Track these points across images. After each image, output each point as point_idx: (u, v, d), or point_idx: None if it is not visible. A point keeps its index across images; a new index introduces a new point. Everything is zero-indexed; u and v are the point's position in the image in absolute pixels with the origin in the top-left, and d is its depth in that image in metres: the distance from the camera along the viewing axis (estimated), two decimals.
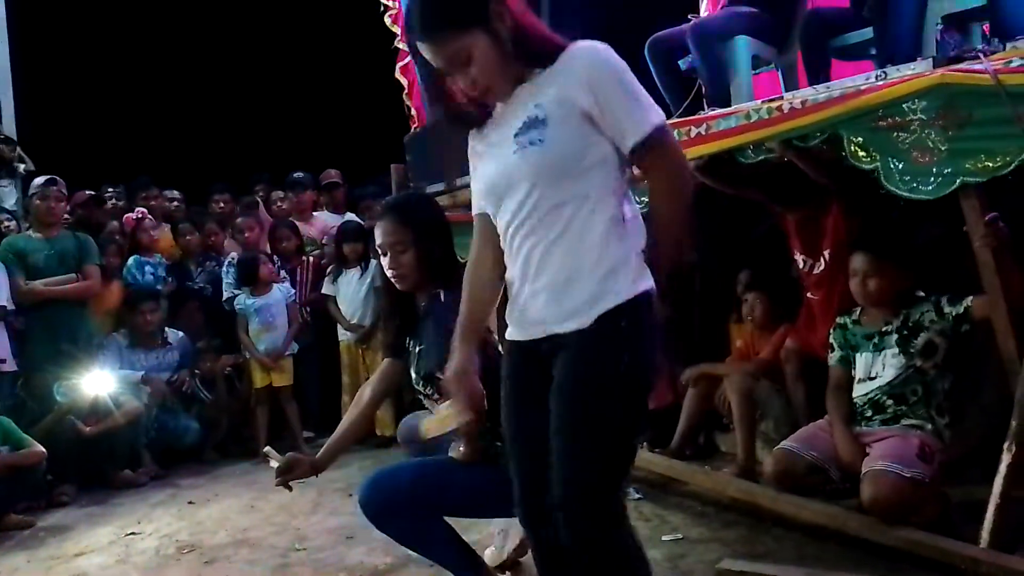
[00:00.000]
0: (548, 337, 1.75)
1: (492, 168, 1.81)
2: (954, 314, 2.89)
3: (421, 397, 2.64)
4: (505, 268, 1.85)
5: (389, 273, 2.50)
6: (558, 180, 1.69)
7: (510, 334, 1.86)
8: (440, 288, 2.46)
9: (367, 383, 2.76)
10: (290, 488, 2.52)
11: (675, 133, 3.15)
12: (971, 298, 2.84)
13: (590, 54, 1.70)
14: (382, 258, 2.51)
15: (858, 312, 3.15)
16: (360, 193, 6.16)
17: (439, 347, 2.23)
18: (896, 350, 2.97)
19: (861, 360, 3.08)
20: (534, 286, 1.76)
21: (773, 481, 3.08)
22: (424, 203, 2.71)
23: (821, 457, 2.99)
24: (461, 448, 2.44)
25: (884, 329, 3.02)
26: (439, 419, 2.24)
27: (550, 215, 1.71)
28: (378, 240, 2.51)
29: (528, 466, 1.82)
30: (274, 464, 2.51)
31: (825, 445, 3.01)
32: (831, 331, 3.20)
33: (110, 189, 6.16)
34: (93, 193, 5.73)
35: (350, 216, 6.01)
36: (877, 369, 3.03)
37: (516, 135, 1.71)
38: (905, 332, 2.97)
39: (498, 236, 1.84)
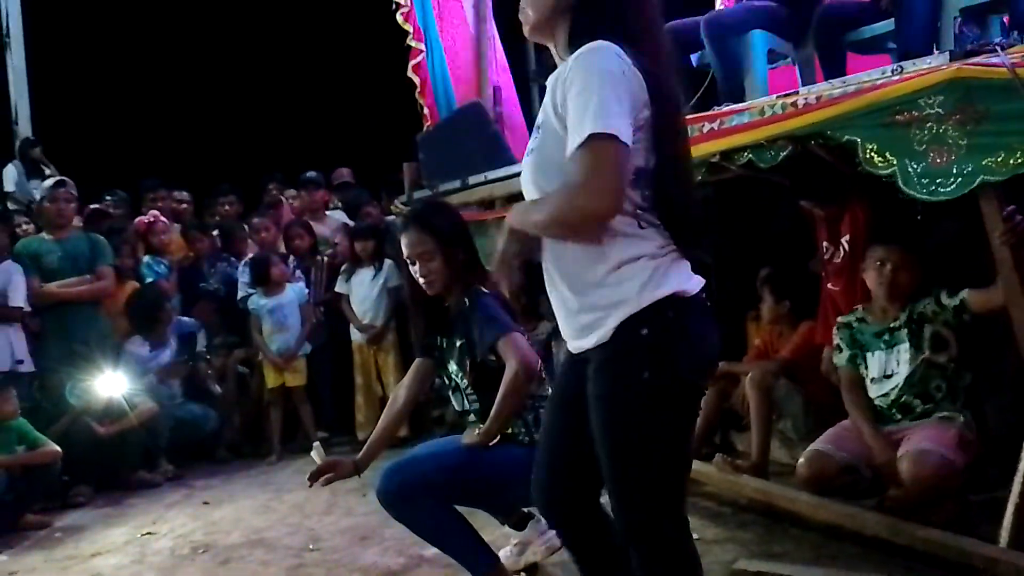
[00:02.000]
0: (580, 352, 1.71)
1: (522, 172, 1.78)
2: (952, 305, 2.89)
3: (449, 393, 2.79)
4: None
5: (420, 280, 2.61)
6: (544, 191, 1.65)
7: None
8: (469, 285, 2.60)
9: (401, 384, 2.88)
10: (315, 484, 2.65)
11: (687, 129, 3.13)
12: (967, 291, 2.84)
13: (574, 58, 1.58)
14: (411, 267, 2.63)
15: (861, 310, 3.12)
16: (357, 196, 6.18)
17: (490, 324, 2.47)
18: (907, 344, 2.95)
19: (874, 359, 3.05)
20: (554, 301, 1.75)
21: (807, 484, 3.03)
22: (441, 209, 2.85)
23: (852, 457, 2.97)
24: (475, 432, 2.54)
25: (893, 325, 3.00)
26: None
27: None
28: (405, 252, 2.63)
29: (548, 458, 1.85)
30: (317, 460, 2.65)
31: (855, 444, 2.98)
32: (835, 331, 3.16)
33: (108, 197, 6.17)
34: (96, 207, 5.73)
35: (336, 215, 6.08)
36: (892, 367, 3.01)
37: (532, 138, 1.71)
38: (913, 326, 2.95)
39: None
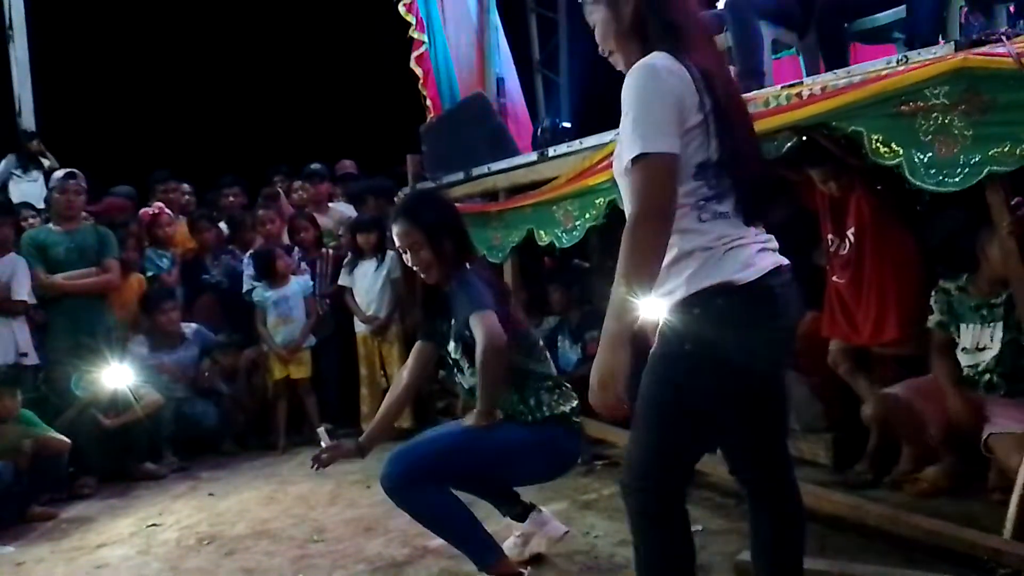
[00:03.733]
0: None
1: None
2: None
3: (456, 378, 2.84)
4: None
5: (415, 269, 2.69)
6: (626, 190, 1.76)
7: None
8: (459, 269, 2.65)
9: (404, 366, 2.94)
10: (318, 467, 2.75)
11: None
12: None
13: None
14: (404, 256, 2.70)
15: (964, 279, 3.12)
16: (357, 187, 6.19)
17: (464, 301, 2.53)
18: (1003, 323, 2.97)
19: (968, 331, 3.07)
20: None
21: (870, 421, 3.17)
22: (429, 200, 2.93)
23: (931, 413, 3.00)
24: (475, 412, 2.58)
25: (994, 301, 3.01)
26: None
27: None
28: (396, 242, 2.72)
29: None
30: (323, 443, 2.72)
31: (934, 401, 3.01)
32: (933, 293, 3.17)
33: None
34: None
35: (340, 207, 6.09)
36: (985, 341, 3.03)
37: None
38: (1008, 307, 2.96)
39: None
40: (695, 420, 1.77)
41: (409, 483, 2.54)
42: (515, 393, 2.62)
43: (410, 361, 2.89)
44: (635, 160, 1.66)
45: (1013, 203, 2.50)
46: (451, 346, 2.74)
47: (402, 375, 2.90)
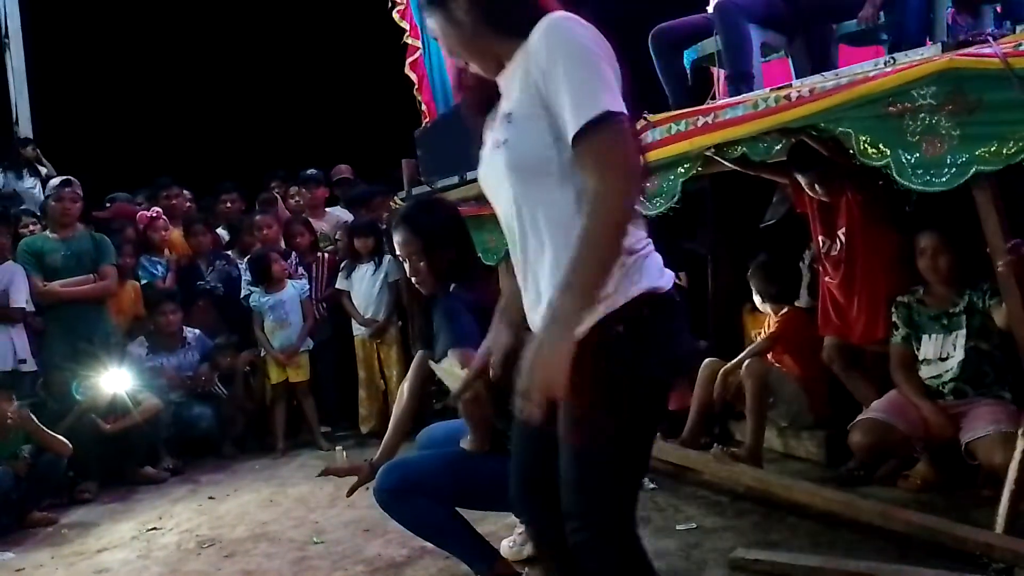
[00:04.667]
0: None
1: (482, 164, 1.68)
2: (987, 308, 2.96)
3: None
4: None
5: (412, 279, 2.62)
6: (529, 183, 1.53)
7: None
8: (451, 284, 2.57)
9: (405, 379, 2.90)
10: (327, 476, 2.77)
11: (683, 123, 3.16)
12: (994, 302, 2.90)
13: (544, 31, 1.48)
14: (404, 265, 2.64)
15: (920, 292, 3.17)
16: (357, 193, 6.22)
17: (445, 333, 2.40)
18: (964, 330, 3.02)
19: (930, 342, 3.12)
20: (534, 297, 1.63)
21: (864, 451, 3.14)
22: (432, 208, 2.76)
23: (909, 430, 3.05)
24: (470, 437, 2.51)
25: (952, 310, 3.06)
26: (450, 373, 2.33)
27: (532, 221, 1.55)
28: (396, 250, 2.64)
29: (523, 456, 1.78)
30: (339, 462, 2.78)
31: (910, 417, 3.05)
32: (892, 309, 3.22)
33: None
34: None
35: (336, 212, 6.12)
36: (948, 350, 3.08)
37: (495, 130, 1.60)
38: (968, 313, 3.02)
39: None
40: (648, 442, 1.62)
41: (401, 498, 2.53)
42: (503, 420, 2.48)
43: (411, 374, 2.86)
44: (604, 119, 1.41)
45: (1010, 245, 2.52)
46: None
47: (403, 388, 2.86)
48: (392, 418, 2.87)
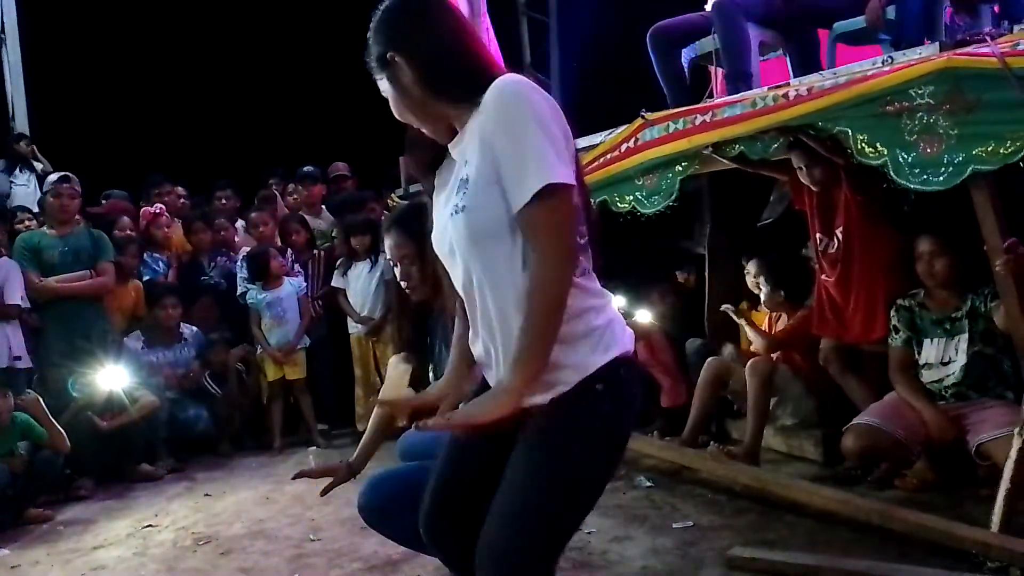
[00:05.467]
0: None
1: (436, 228, 1.64)
2: (988, 311, 2.95)
3: None
4: None
5: (402, 284, 2.57)
6: (486, 248, 1.51)
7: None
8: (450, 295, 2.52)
9: (384, 383, 2.83)
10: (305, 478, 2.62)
11: (680, 122, 3.16)
12: (994, 305, 2.89)
13: (495, 95, 1.47)
14: (395, 268, 2.59)
15: (922, 295, 3.15)
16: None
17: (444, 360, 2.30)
18: (967, 335, 3.01)
19: (932, 346, 3.10)
20: (486, 354, 1.63)
21: (855, 456, 3.12)
22: (427, 213, 2.72)
23: (906, 433, 3.02)
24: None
25: (955, 315, 3.05)
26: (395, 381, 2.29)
27: (494, 287, 1.53)
28: (388, 254, 2.59)
29: (447, 476, 1.75)
30: (311, 464, 2.61)
31: (909, 421, 3.03)
32: (893, 312, 3.20)
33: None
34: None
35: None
36: (951, 354, 3.07)
37: (451, 195, 1.56)
38: (970, 318, 3.01)
39: None
40: (594, 498, 1.61)
41: (386, 513, 2.49)
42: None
43: (387, 379, 2.80)
44: (548, 190, 1.41)
45: (1007, 244, 2.53)
46: (432, 375, 2.66)
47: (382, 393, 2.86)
48: (371, 421, 2.80)
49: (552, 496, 1.52)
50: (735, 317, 3.97)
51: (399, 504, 2.45)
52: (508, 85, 1.48)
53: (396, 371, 2.42)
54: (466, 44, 1.60)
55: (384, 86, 1.64)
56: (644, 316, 4.37)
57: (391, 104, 1.64)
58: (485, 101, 1.48)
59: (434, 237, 1.67)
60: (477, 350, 1.66)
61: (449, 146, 1.64)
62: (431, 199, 1.73)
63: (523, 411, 1.50)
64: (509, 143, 1.44)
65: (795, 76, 3.41)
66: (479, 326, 1.61)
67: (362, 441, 2.71)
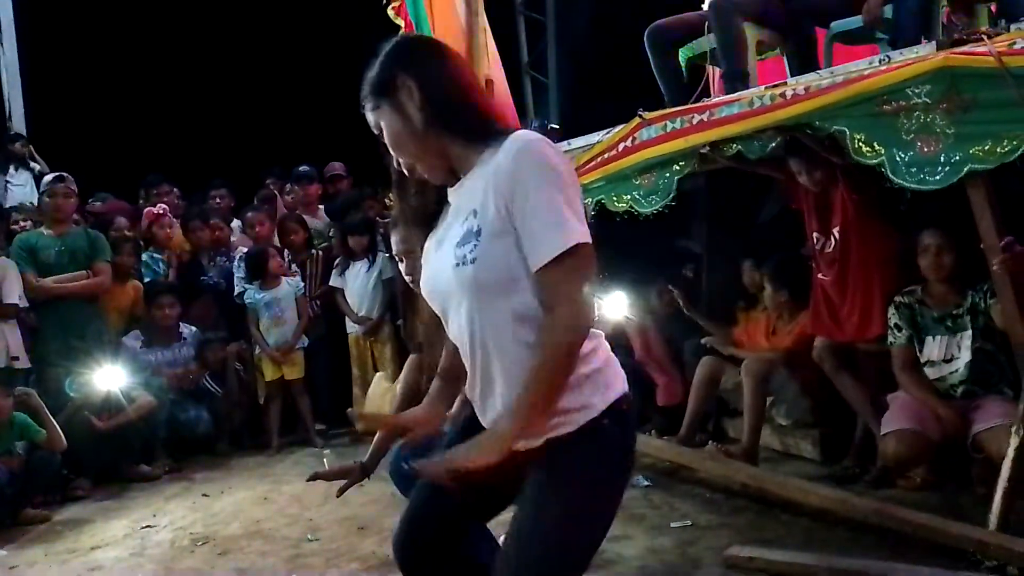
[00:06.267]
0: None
1: (433, 275, 1.63)
2: (988, 308, 2.94)
3: None
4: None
5: (407, 279, 2.58)
6: (492, 299, 1.52)
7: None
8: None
9: (398, 380, 2.84)
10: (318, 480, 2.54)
11: (678, 121, 3.16)
12: (992, 301, 2.88)
13: (514, 152, 1.47)
14: (400, 264, 2.60)
15: (920, 292, 3.13)
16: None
17: None
18: (970, 331, 3.00)
19: (934, 343, 3.08)
20: (482, 401, 1.63)
21: (900, 462, 3.04)
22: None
23: (933, 432, 2.98)
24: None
25: (956, 312, 3.04)
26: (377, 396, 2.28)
27: (496, 337, 1.54)
28: (394, 248, 2.61)
29: (421, 508, 1.75)
30: (326, 464, 2.60)
31: (929, 420, 2.99)
32: (893, 310, 3.17)
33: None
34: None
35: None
36: (953, 351, 3.05)
37: (456, 245, 1.54)
38: (971, 314, 3.00)
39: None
40: (608, 524, 1.63)
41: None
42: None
43: (404, 375, 2.83)
44: (568, 253, 1.43)
45: (1004, 243, 2.53)
46: None
47: (395, 390, 2.87)
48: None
49: (573, 529, 1.53)
50: (723, 350, 3.96)
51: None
52: (528, 143, 1.49)
53: (379, 388, 2.45)
54: (475, 86, 1.62)
55: (377, 118, 1.62)
56: (641, 315, 4.37)
57: (386, 135, 1.61)
58: (500, 157, 1.49)
59: (427, 282, 1.66)
60: (472, 394, 1.66)
61: (449, 191, 1.63)
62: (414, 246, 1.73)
63: (515, 455, 1.49)
64: (529, 202, 1.45)
65: (792, 75, 3.41)
66: (477, 374, 1.61)
67: (375, 441, 2.73)
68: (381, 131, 1.63)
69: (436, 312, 1.68)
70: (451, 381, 1.83)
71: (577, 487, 1.54)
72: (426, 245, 1.71)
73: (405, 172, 1.66)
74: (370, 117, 1.64)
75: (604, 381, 1.57)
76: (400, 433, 1.84)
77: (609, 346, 1.64)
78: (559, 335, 1.46)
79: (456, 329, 1.62)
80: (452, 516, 1.71)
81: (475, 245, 1.50)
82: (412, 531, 1.74)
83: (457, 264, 1.52)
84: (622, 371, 1.64)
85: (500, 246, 1.49)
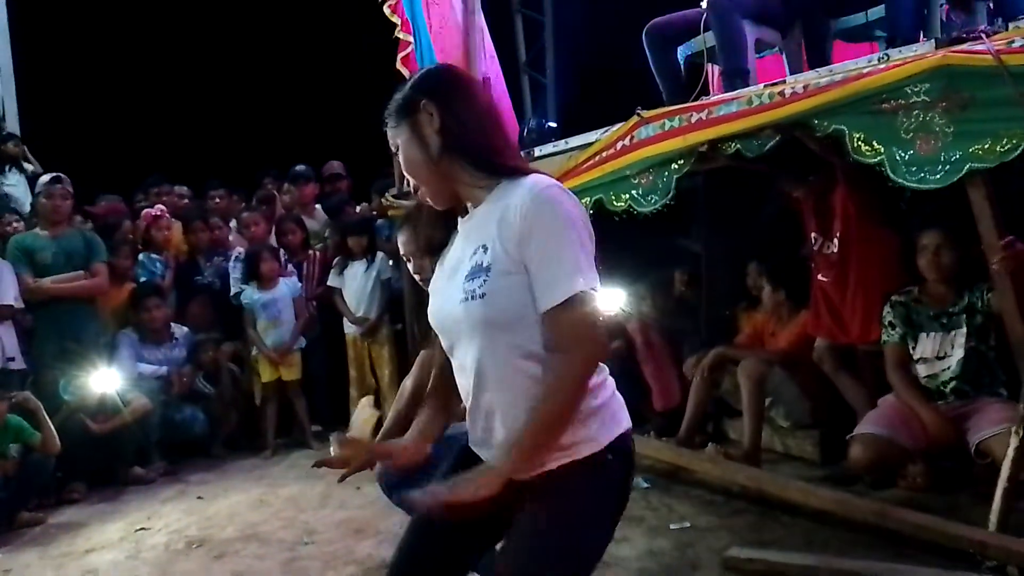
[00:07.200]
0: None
1: (441, 308, 1.66)
2: (987, 304, 2.94)
3: None
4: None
5: (416, 278, 2.57)
6: (504, 333, 1.54)
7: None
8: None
9: (408, 375, 2.85)
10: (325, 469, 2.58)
11: (676, 119, 3.14)
12: (992, 293, 2.87)
13: (531, 197, 1.50)
14: (407, 263, 2.59)
15: (916, 291, 3.13)
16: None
17: None
18: (964, 329, 2.99)
19: (927, 340, 3.08)
20: (483, 435, 1.65)
21: (865, 468, 3.06)
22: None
23: (910, 439, 2.98)
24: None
25: (952, 310, 3.03)
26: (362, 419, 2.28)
27: (504, 369, 1.56)
28: (401, 249, 2.60)
29: (413, 544, 1.74)
30: (333, 450, 2.61)
31: (910, 424, 2.98)
32: (887, 309, 3.16)
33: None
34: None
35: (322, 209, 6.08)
36: (947, 349, 3.04)
37: (465, 279, 1.56)
38: (967, 313, 2.99)
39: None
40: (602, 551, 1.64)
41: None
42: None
43: (414, 370, 2.80)
44: (577, 300, 1.47)
45: (1004, 241, 2.51)
46: None
47: (406, 384, 2.79)
48: (391, 411, 2.81)
49: (568, 557, 1.54)
50: (723, 350, 3.94)
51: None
52: (544, 189, 1.52)
53: (363, 414, 2.44)
54: (496, 121, 1.66)
55: (395, 136, 1.64)
56: (640, 314, 4.35)
57: (401, 157, 1.64)
58: (516, 198, 1.52)
59: (434, 313, 1.68)
60: (474, 425, 1.67)
61: (460, 221, 1.67)
62: (438, 266, 1.74)
63: (513, 484, 1.50)
64: (543, 246, 1.48)
65: (792, 73, 3.40)
66: (480, 406, 1.62)
67: (383, 431, 2.71)
68: (398, 149, 1.65)
69: (443, 344, 1.70)
70: (440, 410, 1.85)
71: (574, 518, 1.55)
72: (435, 273, 1.74)
73: (420, 200, 1.69)
74: (390, 135, 1.67)
75: (610, 415, 1.60)
76: (382, 460, 1.86)
77: (611, 345, 1.64)
78: (565, 378, 1.49)
79: (462, 361, 1.64)
80: (447, 554, 1.70)
81: (484, 280, 1.53)
82: (401, 566, 1.73)
83: (466, 298, 1.55)
84: (624, 405, 1.66)
85: (509, 283, 1.52)
